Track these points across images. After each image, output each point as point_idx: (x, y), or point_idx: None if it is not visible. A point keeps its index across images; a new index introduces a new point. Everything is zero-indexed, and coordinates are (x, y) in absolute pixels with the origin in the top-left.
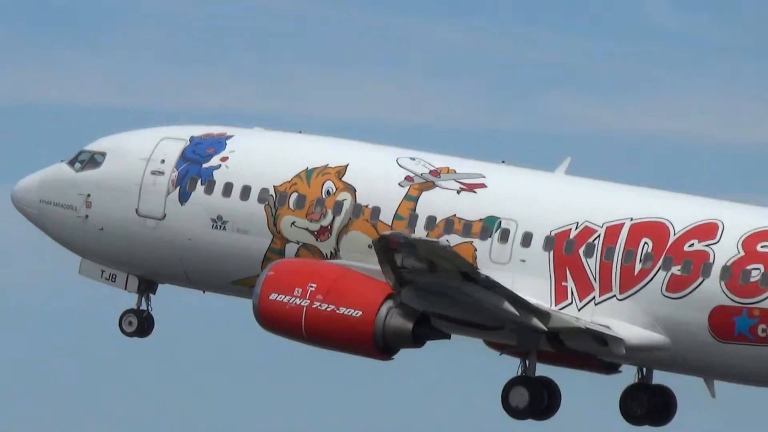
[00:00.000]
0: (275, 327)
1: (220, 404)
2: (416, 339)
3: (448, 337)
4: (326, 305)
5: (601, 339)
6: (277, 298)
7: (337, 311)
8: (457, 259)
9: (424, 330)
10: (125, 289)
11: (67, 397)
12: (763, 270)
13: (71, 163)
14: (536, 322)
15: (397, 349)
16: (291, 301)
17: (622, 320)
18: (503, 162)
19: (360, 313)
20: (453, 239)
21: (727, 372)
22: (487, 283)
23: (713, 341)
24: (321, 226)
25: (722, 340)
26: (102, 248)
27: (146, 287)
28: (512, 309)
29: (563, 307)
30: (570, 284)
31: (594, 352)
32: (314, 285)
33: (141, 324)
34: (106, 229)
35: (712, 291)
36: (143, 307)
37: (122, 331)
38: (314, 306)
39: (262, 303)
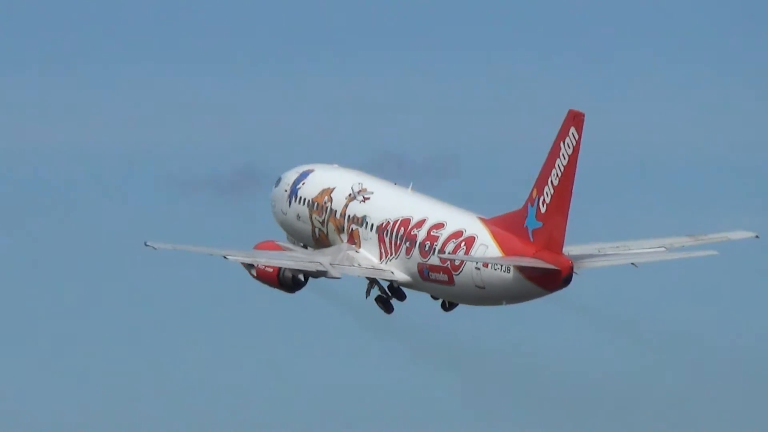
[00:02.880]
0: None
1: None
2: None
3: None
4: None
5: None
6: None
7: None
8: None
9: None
10: (296, 244)
11: None
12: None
13: (276, 183)
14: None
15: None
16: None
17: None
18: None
19: (271, 270)
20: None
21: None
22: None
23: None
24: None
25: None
26: (286, 226)
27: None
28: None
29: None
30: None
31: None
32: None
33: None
34: (282, 218)
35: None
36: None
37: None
38: (262, 267)
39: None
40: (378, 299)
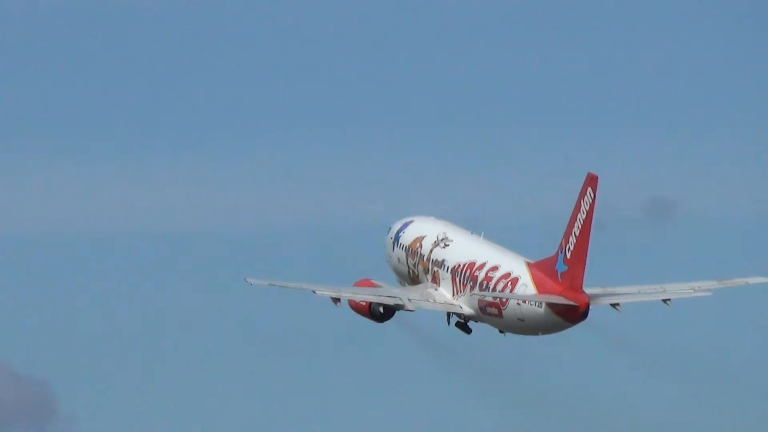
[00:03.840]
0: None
1: None
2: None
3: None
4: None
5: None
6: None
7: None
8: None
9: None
10: (402, 284)
11: None
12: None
13: (387, 231)
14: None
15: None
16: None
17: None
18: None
19: (364, 304)
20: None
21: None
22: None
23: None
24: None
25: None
26: (392, 268)
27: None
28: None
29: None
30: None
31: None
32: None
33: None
34: (389, 261)
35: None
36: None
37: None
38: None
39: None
40: (457, 324)
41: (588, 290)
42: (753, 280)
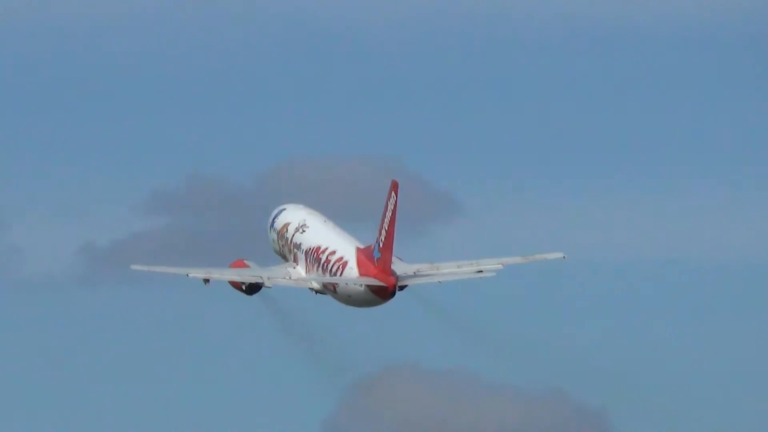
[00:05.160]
0: None
1: None
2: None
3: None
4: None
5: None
6: None
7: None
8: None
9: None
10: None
11: None
12: None
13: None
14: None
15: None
16: None
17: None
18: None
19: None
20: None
21: None
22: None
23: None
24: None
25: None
26: (272, 248)
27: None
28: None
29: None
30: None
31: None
32: None
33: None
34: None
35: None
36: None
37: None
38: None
39: None
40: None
41: (416, 265)
42: (551, 256)
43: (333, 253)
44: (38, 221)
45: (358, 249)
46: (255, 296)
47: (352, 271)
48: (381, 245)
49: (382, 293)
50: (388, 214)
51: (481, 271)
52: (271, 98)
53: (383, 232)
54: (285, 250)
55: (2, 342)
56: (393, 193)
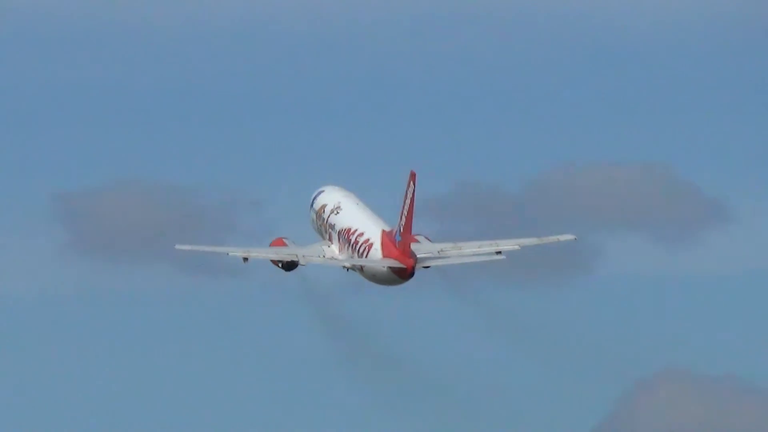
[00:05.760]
0: None
1: None
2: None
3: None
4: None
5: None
6: None
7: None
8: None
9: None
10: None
11: None
12: None
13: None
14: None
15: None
16: None
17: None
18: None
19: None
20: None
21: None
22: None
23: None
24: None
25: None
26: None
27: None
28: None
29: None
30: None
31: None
32: None
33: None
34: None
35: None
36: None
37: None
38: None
39: None
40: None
41: (439, 245)
42: (563, 237)
43: (361, 234)
44: None
45: (383, 231)
46: (292, 273)
47: (376, 252)
48: (401, 230)
49: (402, 273)
50: (407, 201)
51: (500, 252)
52: (546, 106)
53: (403, 218)
54: (322, 230)
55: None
56: (411, 183)
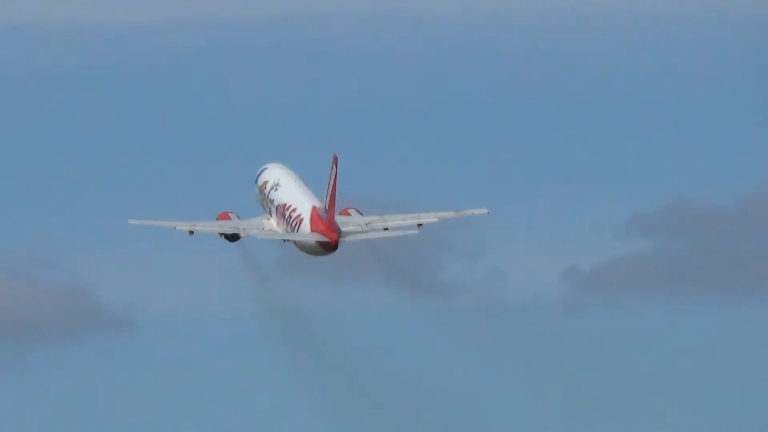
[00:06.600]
0: None
1: None
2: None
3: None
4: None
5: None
6: None
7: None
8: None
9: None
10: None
11: None
12: None
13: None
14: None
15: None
16: None
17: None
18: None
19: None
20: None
21: None
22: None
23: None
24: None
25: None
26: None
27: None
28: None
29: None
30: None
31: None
32: None
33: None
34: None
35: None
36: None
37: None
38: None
39: None
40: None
41: (367, 218)
42: (477, 211)
43: (294, 210)
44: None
45: (313, 207)
46: (236, 244)
47: (305, 226)
48: (326, 207)
49: (327, 246)
50: (331, 182)
51: (421, 225)
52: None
53: (327, 197)
54: (264, 204)
55: None
56: (334, 166)
